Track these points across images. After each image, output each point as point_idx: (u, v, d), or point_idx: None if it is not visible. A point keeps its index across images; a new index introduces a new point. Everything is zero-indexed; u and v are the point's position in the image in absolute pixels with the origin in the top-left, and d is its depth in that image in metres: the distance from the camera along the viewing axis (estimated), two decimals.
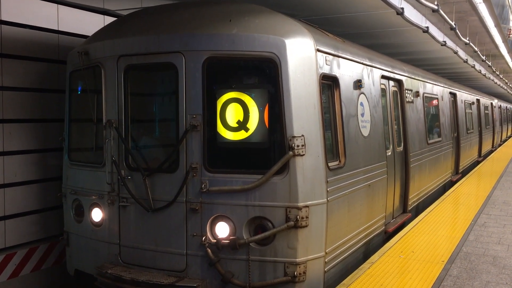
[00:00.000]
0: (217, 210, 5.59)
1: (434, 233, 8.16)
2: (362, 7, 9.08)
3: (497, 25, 14.83)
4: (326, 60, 6.05)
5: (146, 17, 6.32)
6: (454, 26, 11.15)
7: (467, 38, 13.57)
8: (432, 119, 12.39)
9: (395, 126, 9.13)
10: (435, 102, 12.70)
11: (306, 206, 5.46)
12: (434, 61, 17.70)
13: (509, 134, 41.88)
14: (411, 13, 9.69)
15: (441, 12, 9.72)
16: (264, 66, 5.56)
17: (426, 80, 11.87)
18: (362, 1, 8.66)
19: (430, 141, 11.52)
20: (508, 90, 39.68)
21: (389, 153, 8.52)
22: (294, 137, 5.41)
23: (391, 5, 8.28)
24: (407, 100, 9.74)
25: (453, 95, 15.48)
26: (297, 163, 5.43)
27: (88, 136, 6.67)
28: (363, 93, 7.19)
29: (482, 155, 21.79)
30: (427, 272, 6.23)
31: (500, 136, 31.95)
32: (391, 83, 9.06)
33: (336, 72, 6.31)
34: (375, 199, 7.58)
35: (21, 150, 7.42)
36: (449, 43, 13.92)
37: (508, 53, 20.81)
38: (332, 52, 6.27)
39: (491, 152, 25.12)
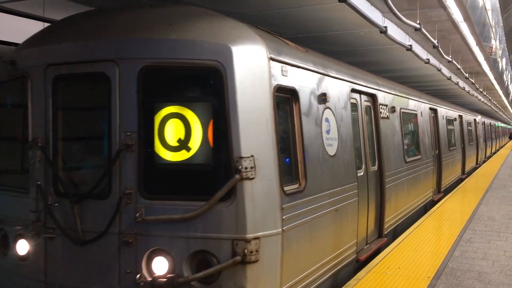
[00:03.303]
0: (155, 243, 4.81)
1: (420, 250, 8.12)
2: (346, 26, 9.03)
3: (479, 43, 14.96)
4: (282, 70, 5.36)
5: (79, 22, 5.58)
6: (437, 44, 11.20)
7: (450, 56, 13.59)
8: (410, 136, 11.76)
9: (369, 144, 8.45)
10: (413, 118, 12.08)
11: (256, 238, 4.71)
12: (419, 78, 17.68)
13: (493, 150, 41.55)
14: (394, 32, 9.82)
15: (424, 30, 9.72)
16: (208, 76, 4.84)
17: (403, 95, 11.24)
18: (346, 20, 8.53)
19: (408, 159, 10.84)
20: (492, 107, 39.58)
21: (361, 173, 7.82)
22: (241, 157, 4.68)
23: (374, 24, 8.35)
24: (381, 115, 9.08)
25: (434, 111, 14.90)
26: (246, 188, 4.69)
27: (13, 157, 5.87)
28: (328, 107, 6.50)
29: (466, 172, 21.25)
30: None
31: (485, 152, 31.51)
32: (364, 97, 8.40)
33: (295, 84, 5.61)
34: (344, 224, 6.85)
35: None
36: (433, 60, 14.08)
37: (490, 70, 20.68)
38: (290, 61, 5.58)
39: (475, 169, 24.63)
